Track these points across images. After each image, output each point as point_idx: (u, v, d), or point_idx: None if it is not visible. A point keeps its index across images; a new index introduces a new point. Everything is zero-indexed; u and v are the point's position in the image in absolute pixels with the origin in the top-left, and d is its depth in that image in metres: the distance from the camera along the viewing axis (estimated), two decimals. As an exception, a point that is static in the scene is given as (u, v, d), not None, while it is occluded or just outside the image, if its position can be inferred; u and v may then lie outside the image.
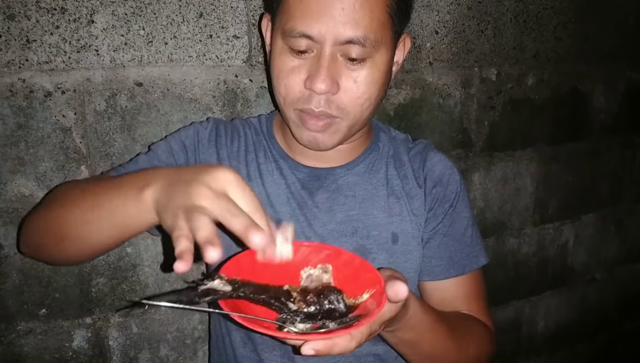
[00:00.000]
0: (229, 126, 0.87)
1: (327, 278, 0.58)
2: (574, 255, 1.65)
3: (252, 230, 0.46)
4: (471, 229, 0.87)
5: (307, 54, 0.70)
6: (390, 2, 0.70)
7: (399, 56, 0.79)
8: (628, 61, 1.55)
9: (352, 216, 0.81)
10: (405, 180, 0.85)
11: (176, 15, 0.92)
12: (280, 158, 0.84)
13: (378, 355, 0.83)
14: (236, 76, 1.00)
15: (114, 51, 0.89)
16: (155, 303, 0.48)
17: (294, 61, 0.71)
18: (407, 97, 1.20)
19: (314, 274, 0.58)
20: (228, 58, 0.98)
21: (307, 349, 0.50)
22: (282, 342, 0.59)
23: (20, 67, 0.84)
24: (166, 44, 0.92)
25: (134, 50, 0.90)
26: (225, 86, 0.99)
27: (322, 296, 0.53)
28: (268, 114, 0.92)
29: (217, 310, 0.51)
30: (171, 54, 0.93)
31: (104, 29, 0.87)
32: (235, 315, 0.49)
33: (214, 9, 0.94)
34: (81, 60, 0.87)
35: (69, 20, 0.85)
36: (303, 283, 0.58)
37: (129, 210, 0.57)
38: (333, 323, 0.53)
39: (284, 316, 0.53)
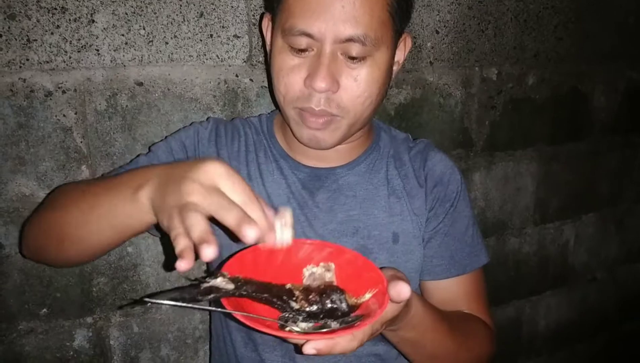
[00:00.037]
0: (229, 126, 0.87)
1: (329, 276, 0.58)
2: (574, 255, 1.65)
3: (245, 224, 0.46)
4: (472, 228, 0.87)
5: (307, 53, 0.70)
6: (390, 1, 0.70)
7: (400, 55, 0.79)
8: (628, 60, 1.56)
9: (353, 216, 0.81)
10: (406, 180, 0.85)
11: (177, 14, 0.92)
12: (281, 157, 0.84)
13: (379, 355, 0.83)
14: (237, 76, 1.00)
15: (114, 50, 0.89)
16: (157, 301, 0.48)
17: (294, 60, 0.71)
18: (408, 97, 1.20)
19: (316, 272, 0.58)
20: (228, 58, 0.98)
21: (309, 348, 0.50)
22: (284, 340, 0.59)
23: (20, 67, 0.84)
24: (167, 43, 0.92)
25: (135, 49, 0.90)
26: (226, 85, 0.99)
27: (324, 295, 0.53)
28: (268, 113, 0.92)
29: (219, 309, 0.51)
30: (172, 53, 0.93)
31: (104, 28, 0.87)
32: (237, 314, 0.49)
33: (214, 9, 0.94)
34: (82, 59, 0.87)
35: (70, 19, 0.85)
36: (305, 281, 0.58)
37: (126, 211, 0.57)
38: (335, 323, 0.53)
39: (286, 315, 0.53)
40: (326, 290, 0.54)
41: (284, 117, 0.78)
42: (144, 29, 0.90)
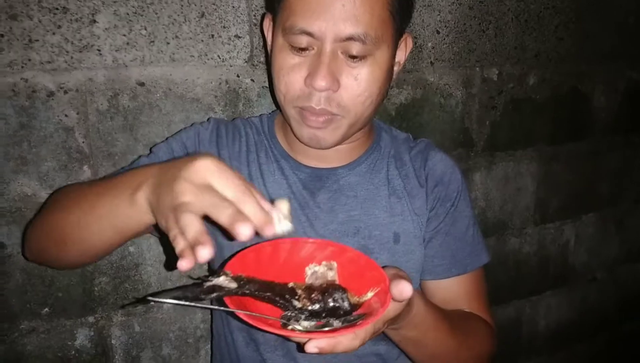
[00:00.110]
0: (230, 126, 0.87)
1: (332, 275, 0.58)
2: (574, 255, 1.65)
3: (238, 223, 0.45)
4: (472, 228, 0.87)
5: (307, 52, 0.70)
6: (391, 0, 0.70)
7: (401, 55, 0.79)
8: (628, 60, 1.56)
9: (354, 216, 0.81)
10: (407, 180, 0.85)
11: (178, 15, 0.92)
12: (282, 157, 0.84)
13: (380, 355, 0.84)
14: (238, 76, 1.00)
15: (116, 50, 0.89)
16: (160, 300, 0.48)
17: (295, 59, 0.71)
18: (409, 97, 1.20)
19: (318, 271, 0.59)
20: (230, 58, 0.98)
21: (311, 347, 0.50)
22: (286, 339, 0.59)
23: (22, 67, 0.84)
24: (168, 43, 0.92)
25: (136, 50, 0.90)
26: (227, 85, 0.99)
27: (326, 294, 0.53)
28: (269, 113, 0.92)
29: (222, 308, 0.51)
30: (173, 53, 0.93)
31: (106, 28, 0.87)
32: (240, 313, 0.50)
33: (215, 9, 0.95)
34: (83, 60, 0.87)
35: (71, 20, 0.85)
36: (308, 280, 0.59)
37: (125, 212, 0.57)
38: (337, 322, 0.53)
39: (289, 314, 0.53)
40: (328, 288, 0.54)
41: (285, 116, 0.78)
42: (146, 29, 0.90)
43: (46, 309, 0.94)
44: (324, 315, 0.53)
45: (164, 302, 0.48)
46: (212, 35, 0.96)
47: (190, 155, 0.81)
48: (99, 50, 0.88)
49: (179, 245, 0.45)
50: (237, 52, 0.99)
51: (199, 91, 0.97)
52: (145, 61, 0.92)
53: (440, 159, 0.87)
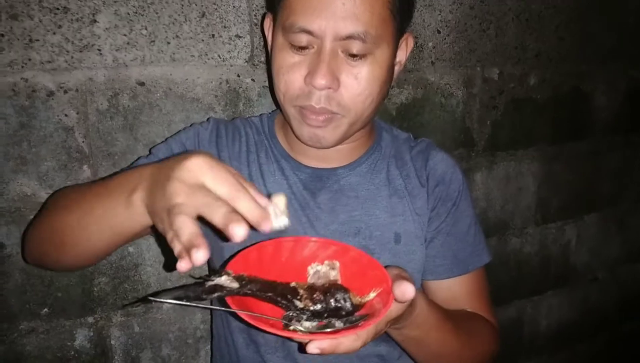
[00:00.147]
0: (230, 126, 0.87)
1: (334, 274, 0.58)
2: (576, 255, 1.65)
3: (232, 223, 0.44)
4: (474, 227, 0.87)
5: (307, 50, 0.70)
6: None
7: (402, 55, 0.79)
8: (629, 60, 1.56)
9: (355, 216, 0.81)
10: (408, 179, 0.84)
11: (178, 14, 0.92)
12: (282, 158, 0.84)
13: (381, 356, 0.83)
14: (238, 76, 1.00)
15: (116, 50, 0.89)
16: (162, 300, 0.47)
17: (294, 57, 0.71)
18: (410, 97, 1.20)
19: (321, 270, 0.58)
20: (230, 58, 0.98)
21: (313, 348, 0.50)
22: (288, 339, 0.59)
23: (22, 67, 0.83)
24: (168, 43, 0.92)
25: (137, 49, 0.90)
26: (228, 85, 0.99)
27: (328, 294, 0.53)
28: (269, 113, 0.92)
29: (223, 308, 0.50)
30: (173, 53, 0.93)
31: (106, 28, 0.87)
32: (242, 313, 0.49)
33: (216, 9, 0.94)
34: (84, 59, 0.87)
35: (72, 19, 0.85)
36: (310, 279, 0.58)
37: (123, 214, 0.57)
38: (339, 322, 0.53)
39: (290, 314, 0.53)
40: (330, 288, 0.54)
41: (285, 115, 0.78)
42: (146, 29, 0.90)
43: (45, 309, 0.94)
44: (325, 315, 0.53)
45: (166, 302, 0.48)
46: (213, 35, 0.95)
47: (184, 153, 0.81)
48: (99, 50, 0.88)
49: (177, 246, 0.45)
50: (238, 52, 0.98)
51: (199, 90, 0.97)
52: (146, 60, 0.91)
53: (442, 158, 0.87)
